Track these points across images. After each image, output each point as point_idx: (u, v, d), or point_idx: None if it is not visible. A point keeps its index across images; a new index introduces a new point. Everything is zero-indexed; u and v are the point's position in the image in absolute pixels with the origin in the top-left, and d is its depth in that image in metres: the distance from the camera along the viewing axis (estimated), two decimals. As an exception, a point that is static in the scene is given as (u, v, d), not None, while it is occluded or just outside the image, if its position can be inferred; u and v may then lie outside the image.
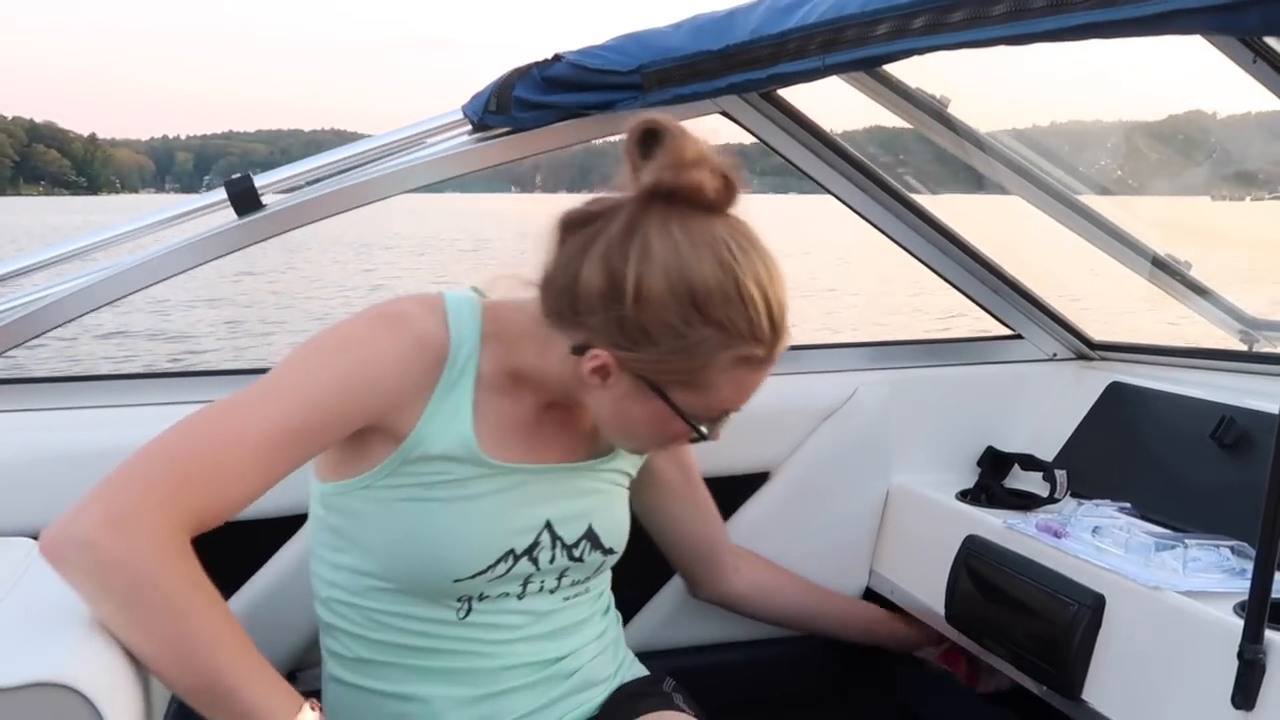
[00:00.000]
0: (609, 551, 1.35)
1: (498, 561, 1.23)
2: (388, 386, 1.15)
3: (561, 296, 1.16)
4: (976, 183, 2.14)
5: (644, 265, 1.10)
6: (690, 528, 1.62)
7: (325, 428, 1.12)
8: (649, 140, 1.14)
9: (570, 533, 1.29)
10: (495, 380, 1.23)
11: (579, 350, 1.15)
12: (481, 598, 1.24)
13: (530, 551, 1.26)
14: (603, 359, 1.14)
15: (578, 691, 1.33)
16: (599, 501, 1.34)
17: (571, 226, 1.17)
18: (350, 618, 1.26)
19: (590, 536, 1.31)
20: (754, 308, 1.11)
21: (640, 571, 1.54)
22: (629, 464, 1.41)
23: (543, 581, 1.29)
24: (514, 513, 1.25)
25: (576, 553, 1.30)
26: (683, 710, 1.33)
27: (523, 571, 1.26)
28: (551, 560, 1.28)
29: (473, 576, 1.22)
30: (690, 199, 1.11)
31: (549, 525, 1.27)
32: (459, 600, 1.24)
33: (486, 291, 1.29)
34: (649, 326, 1.11)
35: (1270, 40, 1.45)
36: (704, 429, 1.20)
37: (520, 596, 1.27)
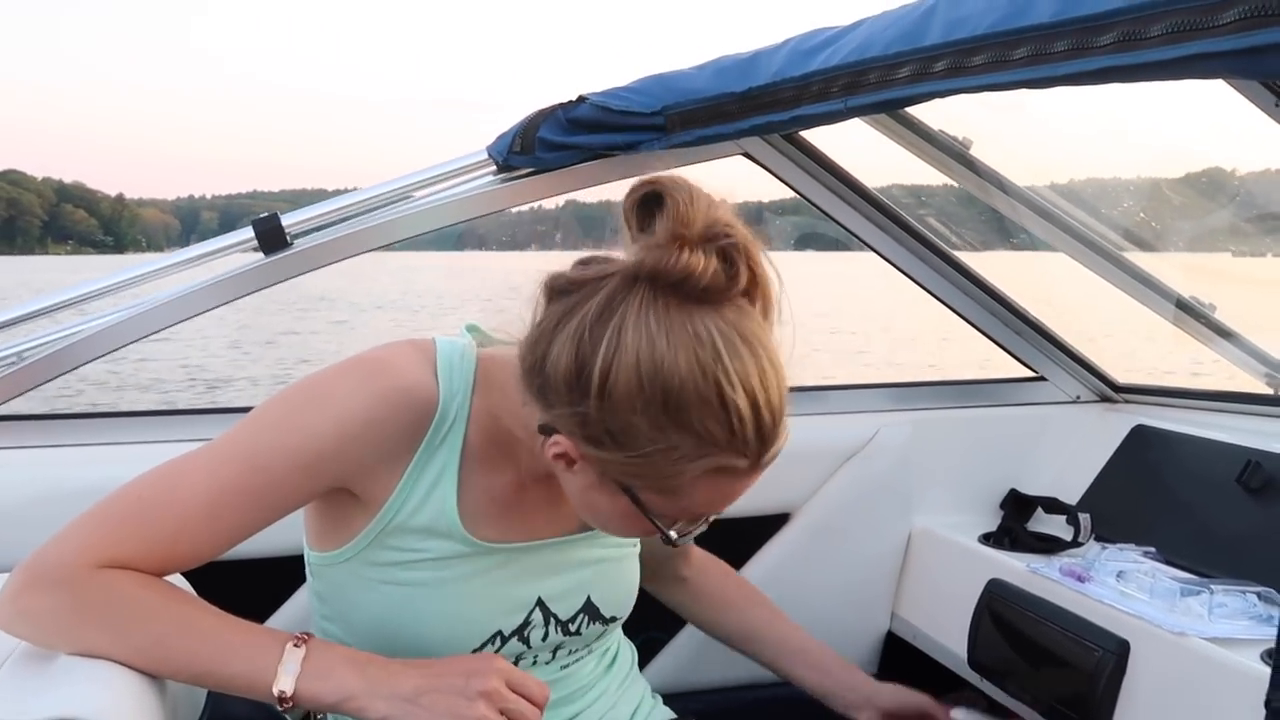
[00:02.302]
0: (610, 620, 1.26)
1: (484, 644, 1.15)
2: (356, 450, 1.06)
3: (532, 371, 1.01)
4: (999, 233, 2.14)
5: (614, 357, 0.94)
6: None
7: (278, 491, 1.04)
8: (650, 204, 1.00)
9: (566, 609, 1.20)
10: (484, 445, 1.13)
11: (544, 431, 1.02)
12: None
13: (521, 631, 1.17)
14: (565, 447, 1.01)
15: None
16: (600, 571, 1.23)
17: (554, 293, 1.01)
18: None
19: (589, 609, 1.22)
20: (737, 416, 0.95)
21: (661, 610, 1.53)
22: None
23: (536, 657, 1.21)
24: (502, 594, 1.16)
25: (573, 627, 1.21)
26: None
27: (512, 651, 1.18)
28: (544, 638, 1.19)
29: None
30: (680, 287, 0.95)
31: (541, 603, 1.18)
32: None
33: (491, 331, 1.18)
34: (614, 427, 0.96)
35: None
36: (674, 534, 1.05)
37: None
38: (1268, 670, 1.21)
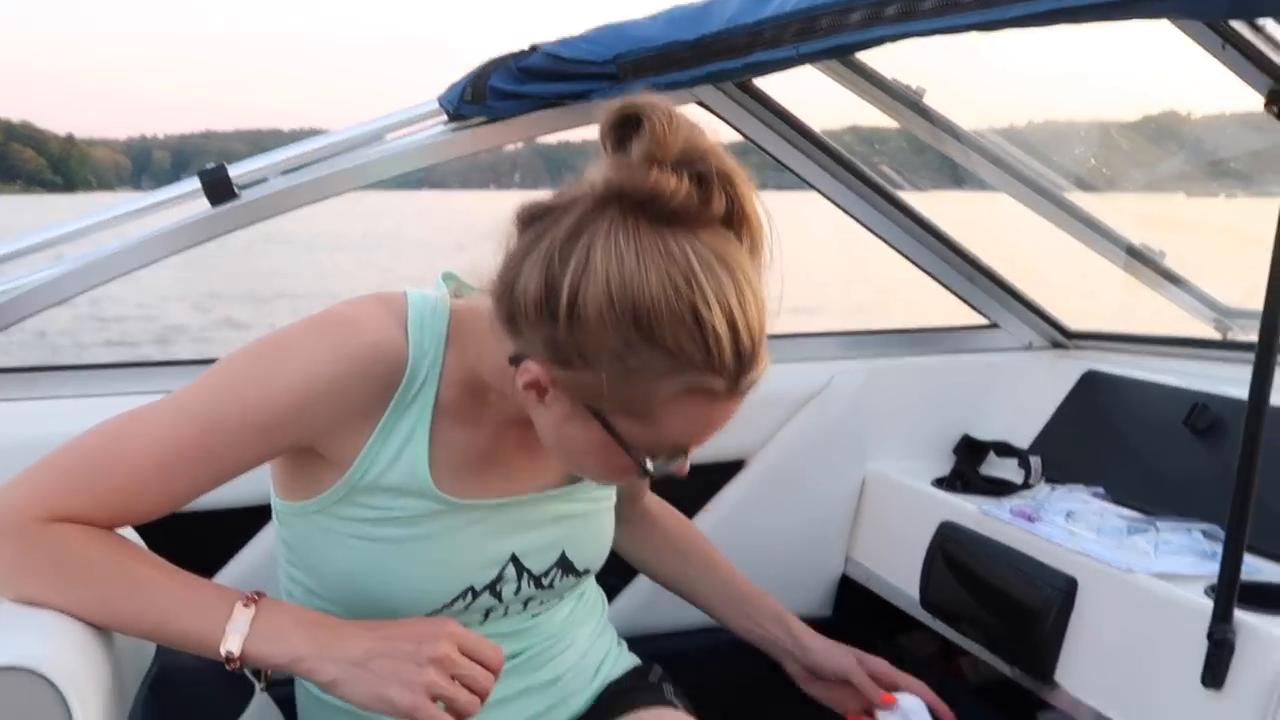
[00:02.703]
0: (584, 573, 1.24)
1: (454, 600, 1.13)
2: (318, 411, 1.03)
3: (502, 299, 0.99)
4: (952, 177, 2.15)
5: (583, 276, 0.92)
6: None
7: (234, 450, 1.01)
8: (627, 126, 0.95)
9: (539, 564, 1.19)
10: (456, 401, 1.10)
11: (514, 361, 1.00)
12: None
13: (493, 586, 1.16)
14: (535, 374, 0.98)
15: (559, 702, 1.26)
16: (574, 526, 1.21)
17: (525, 221, 0.99)
18: None
19: (562, 563, 1.21)
20: (713, 334, 0.92)
21: (619, 557, 1.54)
22: None
23: (507, 608, 1.19)
24: (475, 550, 1.14)
25: (546, 581, 1.20)
26: (673, 705, 1.28)
27: (483, 605, 1.16)
28: (517, 591, 1.18)
29: (428, 614, 1.12)
30: (650, 206, 0.92)
31: (515, 559, 1.16)
32: None
33: (468, 278, 1.14)
34: (584, 347, 0.94)
35: (1238, 25, 1.47)
36: (650, 465, 1.02)
37: (482, 623, 1.18)
38: (1210, 603, 1.24)
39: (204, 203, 1.56)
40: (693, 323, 0.92)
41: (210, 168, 1.55)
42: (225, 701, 1.17)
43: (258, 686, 1.17)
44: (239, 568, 1.59)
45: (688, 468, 1.05)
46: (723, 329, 0.93)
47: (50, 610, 0.95)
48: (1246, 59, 1.52)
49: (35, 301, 1.51)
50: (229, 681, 1.20)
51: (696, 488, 1.68)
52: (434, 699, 0.96)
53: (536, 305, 0.95)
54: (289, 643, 0.97)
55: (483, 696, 0.98)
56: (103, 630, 0.97)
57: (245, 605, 0.97)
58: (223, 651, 0.95)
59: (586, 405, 0.99)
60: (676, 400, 0.96)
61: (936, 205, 2.08)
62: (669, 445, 1.01)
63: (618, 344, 0.93)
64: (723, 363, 0.94)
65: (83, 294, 1.54)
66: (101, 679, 0.93)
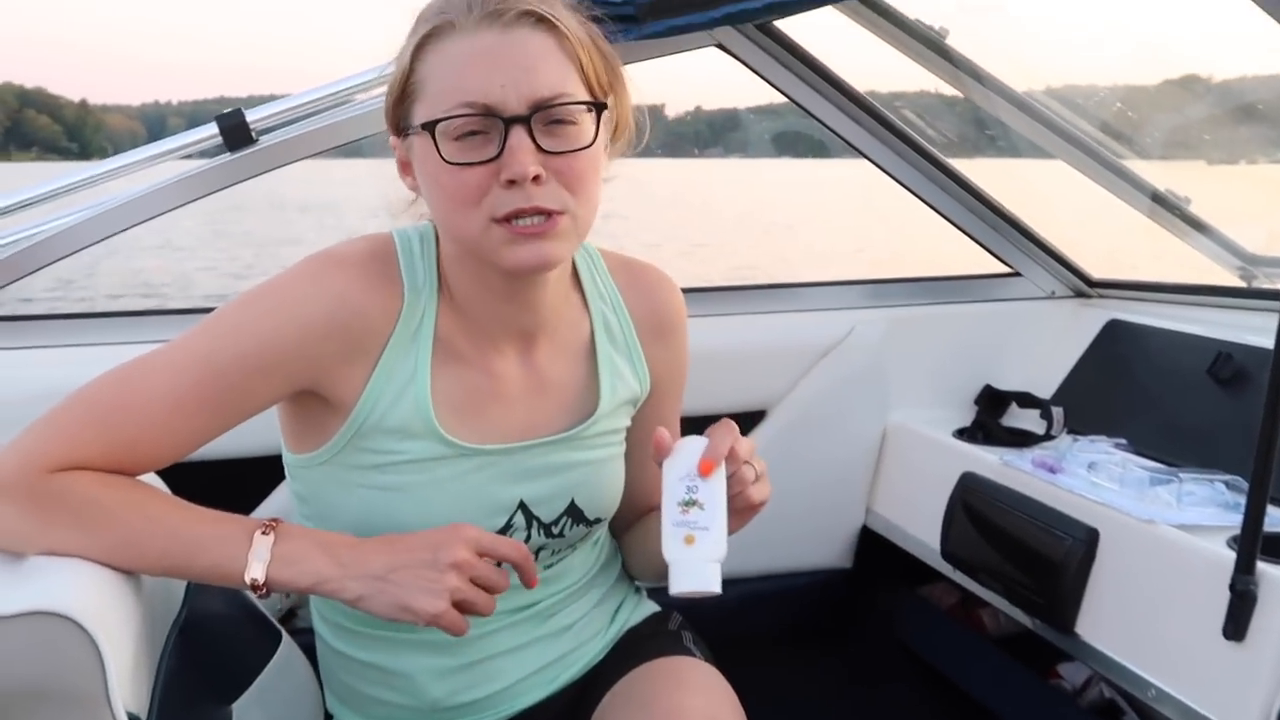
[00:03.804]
0: (595, 522, 1.23)
1: None
2: (316, 352, 1.05)
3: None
4: (975, 144, 2.12)
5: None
6: (637, 488, 1.31)
7: (236, 395, 1.03)
8: None
9: (549, 511, 1.18)
10: (457, 336, 1.12)
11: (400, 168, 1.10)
12: None
13: (503, 534, 1.15)
14: (397, 150, 1.09)
15: (573, 649, 1.26)
16: (584, 474, 1.20)
17: None
18: None
19: (572, 512, 1.20)
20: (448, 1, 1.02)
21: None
22: (621, 417, 1.25)
23: None
24: (483, 496, 1.14)
25: (556, 529, 1.19)
26: (691, 652, 1.28)
27: None
28: (527, 539, 1.17)
29: None
30: None
31: (523, 505, 1.16)
32: None
33: None
34: (394, 90, 1.06)
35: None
36: (496, 162, 0.99)
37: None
38: (1233, 555, 1.23)
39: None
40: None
41: (228, 113, 1.54)
42: (252, 651, 1.18)
43: (284, 634, 1.18)
44: (263, 514, 1.60)
45: (528, 173, 0.99)
46: None
47: (76, 557, 0.95)
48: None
49: (54, 249, 1.51)
50: (257, 628, 1.22)
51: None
52: (455, 603, 0.98)
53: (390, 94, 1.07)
54: (311, 565, 0.98)
55: (496, 591, 1.01)
56: (129, 574, 0.98)
57: (264, 533, 0.99)
58: (247, 579, 0.97)
59: (408, 135, 1.05)
60: (431, 59, 1.02)
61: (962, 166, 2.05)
62: (454, 100, 1.00)
63: (404, 64, 1.04)
64: (454, 5, 1.01)
65: (101, 242, 1.53)
66: (131, 622, 0.94)
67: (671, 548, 1.01)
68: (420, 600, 0.97)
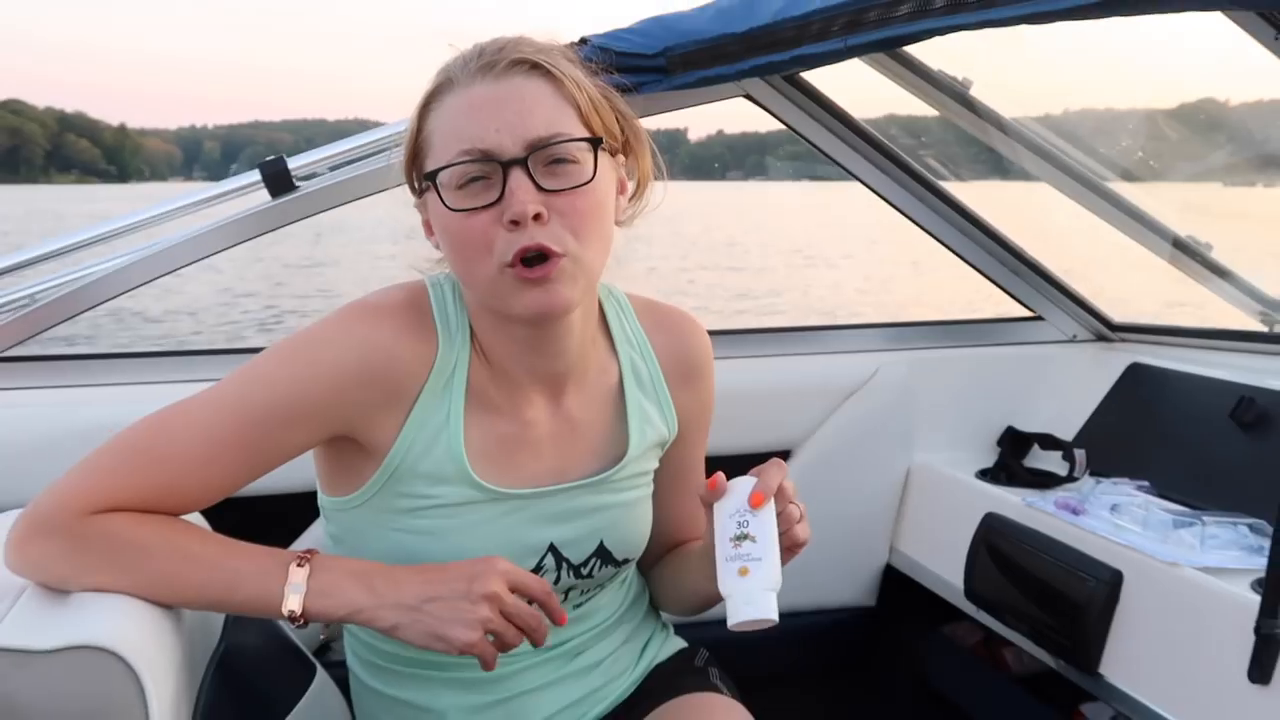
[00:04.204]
0: (623, 563, 1.24)
1: None
2: (352, 400, 1.07)
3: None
4: (995, 168, 2.15)
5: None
6: (664, 526, 1.34)
7: (272, 443, 1.06)
8: None
9: (578, 553, 1.20)
10: (487, 383, 1.14)
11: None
12: None
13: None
14: (417, 206, 1.13)
15: (602, 685, 1.27)
16: (612, 516, 1.22)
17: None
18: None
19: (601, 553, 1.21)
20: (447, 62, 1.08)
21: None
22: (649, 460, 1.27)
23: None
24: (515, 539, 1.15)
25: (585, 570, 1.21)
26: (719, 689, 1.30)
27: (524, 595, 1.13)
28: (556, 581, 1.19)
29: None
30: None
31: (553, 548, 1.18)
32: None
33: None
34: (407, 153, 1.11)
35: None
36: (502, 206, 1.01)
37: None
38: (1257, 599, 1.24)
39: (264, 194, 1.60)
40: (438, 73, 1.08)
41: (270, 160, 1.59)
42: (288, 683, 1.20)
43: (319, 667, 1.20)
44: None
45: (528, 211, 1.01)
46: (453, 54, 1.08)
47: (118, 594, 0.98)
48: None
49: (103, 290, 1.56)
50: (293, 661, 1.24)
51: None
52: (486, 634, 1.00)
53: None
54: (346, 595, 1.01)
55: (529, 632, 1.03)
56: (169, 609, 1.01)
57: (299, 565, 1.01)
58: (285, 611, 0.99)
59: (423, 190, 1.09)
60: (436, 115, 1.07)
61: (978, 194, 2.07)
62: (454, 148, 1.04)
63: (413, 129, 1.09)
64: (449, 66, 1.07)
65: (150, 283, 1.58)
66: (172, 656, 0.97)
67: (727, 581, 1.03)
68: (454, 630, 0.99)
